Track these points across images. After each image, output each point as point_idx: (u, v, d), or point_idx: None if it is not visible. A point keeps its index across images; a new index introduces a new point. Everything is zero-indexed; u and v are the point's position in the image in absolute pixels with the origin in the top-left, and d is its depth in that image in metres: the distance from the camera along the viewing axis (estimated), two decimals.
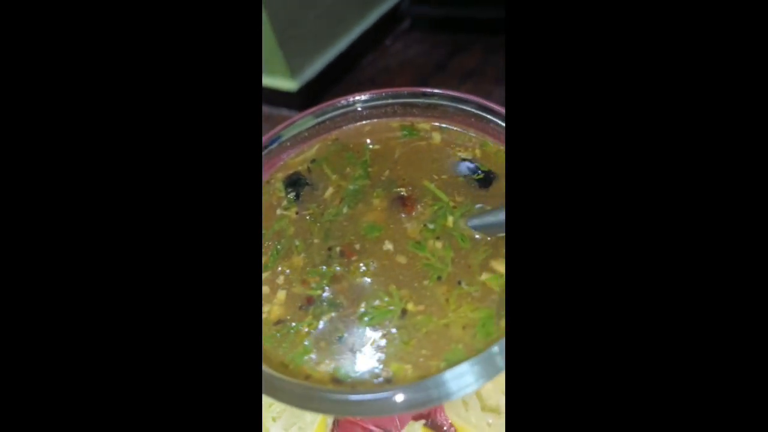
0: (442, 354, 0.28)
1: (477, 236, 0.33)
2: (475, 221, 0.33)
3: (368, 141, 0.43)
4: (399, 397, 0.23)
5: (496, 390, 0.34)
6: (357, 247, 0.34)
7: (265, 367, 0.27)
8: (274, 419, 0.36)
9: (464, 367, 0.24)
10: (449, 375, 0.24)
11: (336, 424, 0.37)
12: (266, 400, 0.37)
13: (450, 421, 0.33)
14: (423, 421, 0.33)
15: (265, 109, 1.98)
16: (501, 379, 0.34)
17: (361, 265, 0.33)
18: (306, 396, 0.25)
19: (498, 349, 0.24)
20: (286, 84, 1.78)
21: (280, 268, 0.35)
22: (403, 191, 0.37)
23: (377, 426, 0.37)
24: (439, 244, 0.33)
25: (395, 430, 0.36)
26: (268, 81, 1.81)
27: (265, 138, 0.43)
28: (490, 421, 0.31)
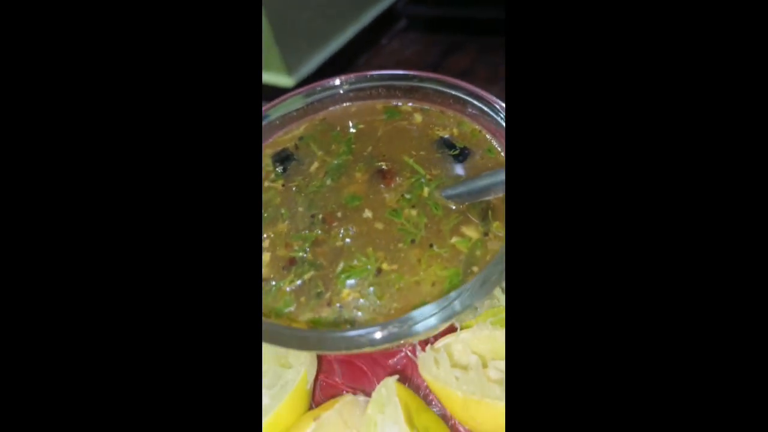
0: (411, 307, 0.30)
1: (452, 206, 0.35)
2: (449, 191, 0.36)
3: (353, 121, 0.45)
4: (372, 333, 0.26)
5: (465, 351, 0.36)
6: (338, 214, 0.37)
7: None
8: None
9: (426, 309, 0.26)
10: (414, 314, 0.26)
11: (316, 381, 0.39)
12: None
13: (423, 378, 0.35)
14: (396, 377, 0.35)
15: (264, 106, 2.00)
16: (470, 340, 0.36)
17: (341, 230, 0.35)
18: (287, 335, 0.27)
19: (455, 295, 0.26)
20: (283, 80, 1.80)
21: (265, 234, 0.37)
22: (383, 165, 0.40)
23: (354, 385, 0.39)
24: (414, 212, 0.35)
25: (370, 388, 0.38)
26: (265, 77, 1.82)
27: None
28: (458, 375, 0.34)
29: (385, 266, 0.32)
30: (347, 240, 0.34)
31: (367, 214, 0.36)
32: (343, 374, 0.41)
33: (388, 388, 0.34)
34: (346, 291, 0.32)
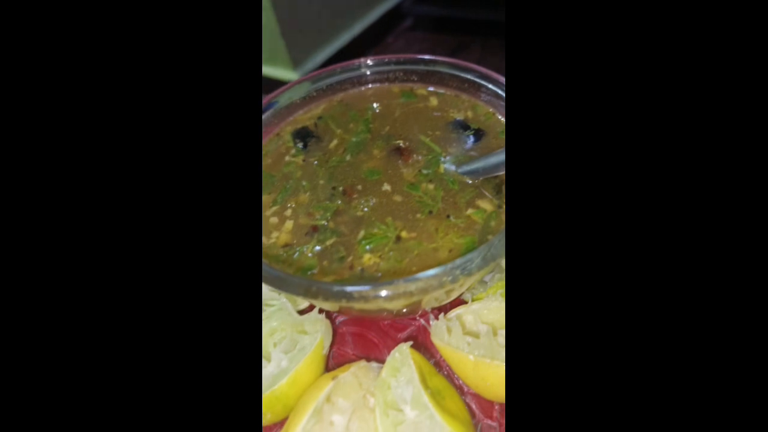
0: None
1: (468, 181, 0.37)
2: (465, 167, 0.37)
3: (370, 103, 0.47)
4: (385, 289, 0.27)
5: (476, 320, 0.38)
6: (359, 187, 0.38)
7: (274, 268, 0.30)
8: (275, 345, 0.40)
9: (439, 269, 0.28)
10: (429, 272, 0.28)
11: (330, 351, 0.40)
12: (267, 327, 0.40)
13: (434, 346, 0.37)
14: (410, 342, 0.36)
15: (265, 99, 2.01)
16: (480, 311, 0.38)
17: (362, 201, 0.37)
18: (309, 287, 0.28)
19: (460, 262, 0.28)
20: (288, 74, 1.81)
21: (288, 204, 0.38)
22: (400, 143, 0.41)
23: (365, 356, 0.41)
24: (431, 186, 0.37)
25: (380, 358, 0.40)
26: (270, 71, 1.83)
27: (272, 95, 0.47)
28: (470, 340, 0.35)
29: (404, 234, 0.34)
30: (366, 210, 0.36)
31: (386, 187, 0.38)
32: (355, 345, 0.43)
33: (403, 353, 0.36)
34: (367, 256, 0.33)
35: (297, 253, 0.34)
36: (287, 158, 0.43)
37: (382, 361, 0.39)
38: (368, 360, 0.40)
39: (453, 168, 0.38)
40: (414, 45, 2.18)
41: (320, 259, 0.34)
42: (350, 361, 0.41)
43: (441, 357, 0.38)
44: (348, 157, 0.41)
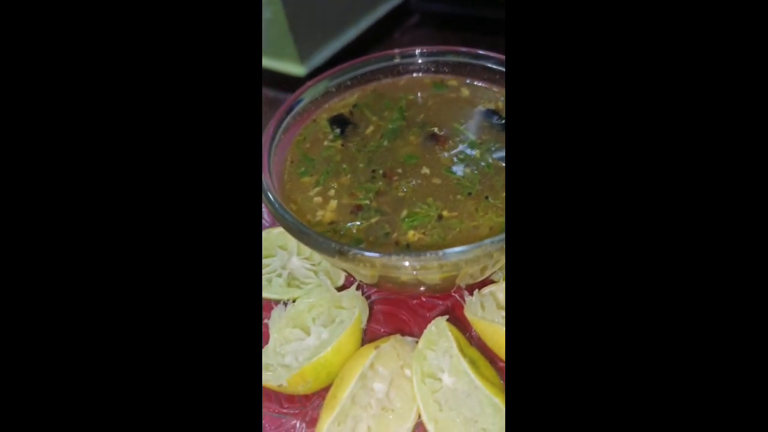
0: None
1: (503, 165, 0.39)
2: (499, 153, 0.40)
3: (403, 92, 0.49)
4: (417, 259, 0.30)
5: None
6: (398, 170, 0.40)
7: (331, 238, 0.32)
8: (314, 320, 0.42)
9: (478, 243, 0.30)
10: (470, 246, 0.30)
11: (366, 323, 0.43)
12: (306, 303, 0.42)
13: (468, 321, 0.39)
14: (446, 317, 0.39)
15: (273, 93, 2.02)
16: None
17: (402, 183, 0.39)
18: (351, 254, 0.30)
19: (499, 238, 0.30)
20: (295, 69, 1.82)
21: (331, 185, 0.40)
22: (436, 130, 0.43)
23: (396, 331, 0.43)
24: (468, 170, 0.39)
25: (411, 334, 0.42)
26: (277, 65, 1.84)
27: (307, 85, 0.48)
28: (504, 314, 0.38)
29: (445, 213, 0.36)
30: (407, 191, 0.38)
31: (425, 170, 0.40)
32: (386, 323, 0.45)
33: (439, 326, 0.38)
34: (411, 232, 0.35)
35: (344, 230, 0.37)
36: (326, 143, 0.45)
37: (413, 337, 0.41)
38: (399, 330, 0.43)
39: (487, 154, 0.40)
40: (420, 42, 2.20)
41: (366, 235, 0.36)
42: (382, 337, 0.43)
43: (473, 332, 0.41)
44: (385, 143, 0.43)
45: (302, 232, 0.33)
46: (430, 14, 2.36)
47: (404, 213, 0.37)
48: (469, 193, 0.37)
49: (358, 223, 0.37)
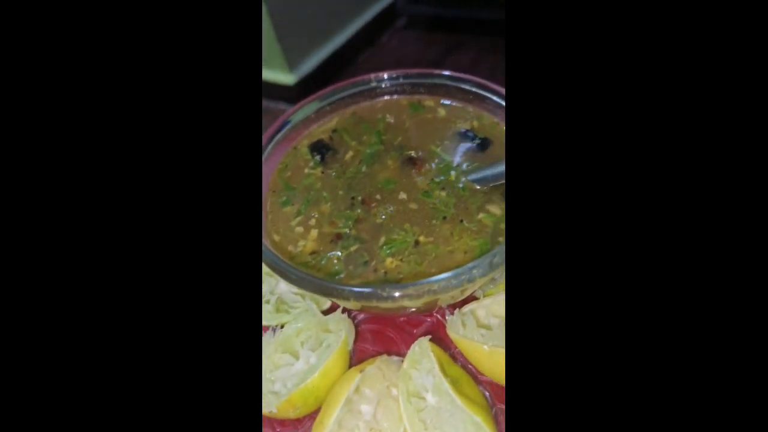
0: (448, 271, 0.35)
1: (477, 187, 0.41)
2: (473, 175, 0.41)
3: (381, 115, 0.50)
4: (398, 290, 0.31)
5: (488, 315, 0.41)
6: (377, 197, 0.41)
7: (309, 274, 0.34)
8: (302, 344, 0.43)
9: (453, 272, 0.31)
10: (445, 275, 0.31)
11: (354, 344, 0.44)
12: (294, 328, 0.44)
13: (450, 339, 0.40)
14: (429, 336, 0.40)
15: (264, 103, 2.03)
16: (491, 306, 0.41)
17: (380, 209, 0.40)
18: (342, 291, 0.32)
19: (472, 265, 0.31)
20: (284, 78, 1.84)
21: (312, 214, 0.41)
22: (412, 153, 0.45)
23: (385, 351, 0.44)
24: (444, 194, 0.40)
25: (399, 352, 0.43)
26: (266, 74, 1.85)
27: (288, 113, 0.50)
28: (483, 332, 0.39)
29: (422, 239, 0.37)
30: (384, 217, 0.39)
31: (402, 195, 0.41)
32: (375, 341, 0.46)
33: (422, 346, 0.39)
34: (389, 260, 0.37)
35: (324, 260, 0.38)
36: (306, 170, 0.46)
37: (400, 355, 0.43)
38: (388, 354, 0.44)
39: (463, 176, 0.42)
40: (408, 45, 2.21)
41: (346, 264, 0.37)
42: (371, 356, 0.45)
43: (456, 349, 0.42)
44: (364, 168, 0.44)
45: (281, 270, 0.34)
46: (417, 16, 2.36)
47: (382, 240, 0.38)
48: (444, 218, 0.38)
49: (339, 252, 0.38)
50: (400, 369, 0.40)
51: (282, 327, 0.44)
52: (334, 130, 0.49)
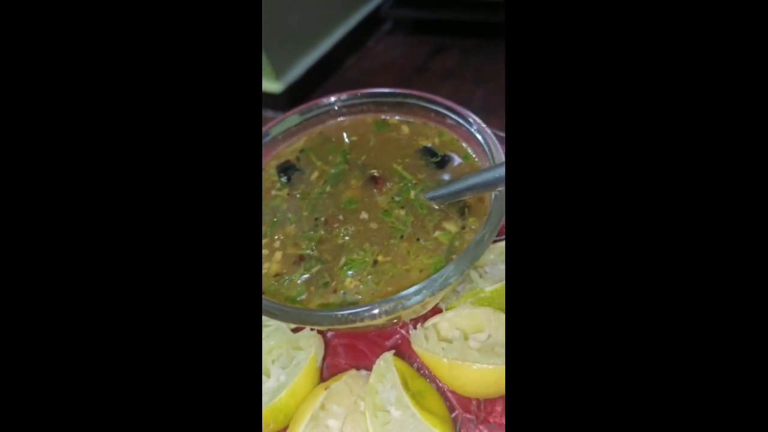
0: (403, 290, 0.36)
1: (435, 206, 0.42)
2: (432, 193, 0.42)
3: (347, 133, 0.51)
4: (371, 309, 0.32)
5: (450, 327, 0.43)
6: (339, 217, 0.43)
7: (269, 300, 0.35)
8: (273, 361, 0.44)
9: (414, 288, 0.33)
10: (406, 293, 0.33)
11: (324, 362, 0.45)
12: (266, 346, 0.45)
13: (415, 352, 0.42)
14: (393, 351, 0.41)
15: None
16: (453, 319, 0.42)
17: (342, 230, 0.41)
18: (301, 315, 0.33)
19: (428, 283, 0.33)
20: (271, 86, 1.84)
21: (276, 236, 0.43)
22: (375, 172, 0.46)
23: (356, 364, 0.46)
24: (402, 212, 0.42)
25: (370, 365, 0.45)
26: None
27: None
28: (444, 346, 0.40)
29: (380, 258, 0.39)
30: (347, 238, 0.41)
31: (363, 215, 0.42)
32: (347, 355, 0.48)
33: (386, 360, 0.40)
34: (348, 280, 0.38)
35: (287, 281, 0.39)
36: (273, 192, 0.47)
37: (370, 369, 0.44)
38: (358, 368, 0.45)
39: (421, 194, 0.43)
40: (394, 48, 2.22)
41: (308, 286, 0.38)
42: (343, 370, 0.46)
43: (420, 361, 0.43)
44: (328, 188, 0.46)
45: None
46: (402, 20, 2.37)
47: (343, 260, 0.39)
48: (402, 236, 0.40)
49: (303, 274, 0.39)
50: (365, 382, 0.41)
51: None
52: (302, 150, 0.51)
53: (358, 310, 0.32)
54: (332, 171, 0.47)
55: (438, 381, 0.42)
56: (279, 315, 0.34)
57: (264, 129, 0.51)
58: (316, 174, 0.48)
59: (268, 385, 0.43)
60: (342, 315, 0.32)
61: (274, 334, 0.45)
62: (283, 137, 0.52)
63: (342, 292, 0.37)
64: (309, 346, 0.43)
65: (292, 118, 0.52)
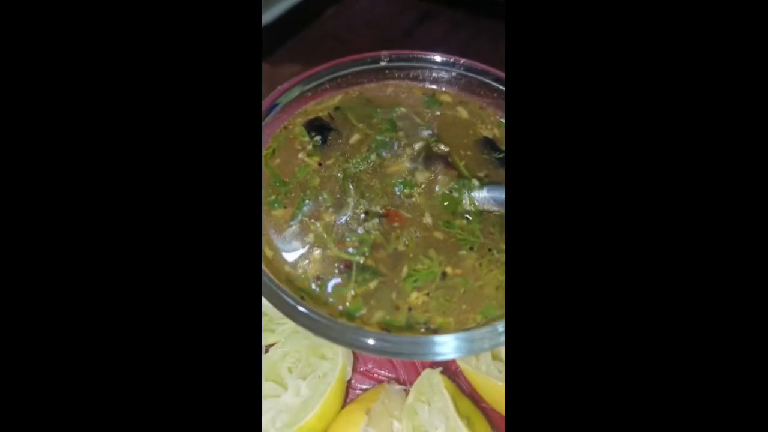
0: (478, 309, 0.31)
1: (499, 210, 0.36)
2: (494, 193, 0.36)
3: (394, 101, 0.42)
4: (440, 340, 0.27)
5: (503, 348, 0.39)
6: (398, 205, 0.34)
7: (322, 315, 0.27)
8: (290, 370, 0.37)
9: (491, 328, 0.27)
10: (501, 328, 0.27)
11: (354, 370, 0.39)
12: (280, 351, 0.37)
13: (459, 368, 0.37)
14: (440, 369, 0.36)
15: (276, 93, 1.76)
16: None
17: (403, 235, 0.33)
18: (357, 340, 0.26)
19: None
20: None
21: (310, 221, 0.34)
22: (436, 147, 0.38)
23: (381, 371, 0.40)
24: (464, 222, 0.35)
25: (394, 373, 0.39)
26: None
27: (281, 88, 0.40)
28: (501, 368, 0.36)
29: (449, 270, 0.32)
30: (408, 246, 0.33)
31: (427, 219, 0.35)
32: (374, 364, 0.41)
33: (433, 381, 0.35)
34: (414, 295, 0.31)
35: (332, 288, 0.31)
36: (300, 156, 0.37)
37: (400, 382, 0.38)
38: (388, 374, 0.39)
39: (483, 196, 0.36)
40: (379, 6, 2.04)
41: (366, 299, 0.31)
42: (368, 377, 0.40)
43: (464, 378, 0.39)
44: (373, 157, 0.37)
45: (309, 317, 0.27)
46: None
47: (405, 271, 0.32)
48: (471, 248, 0.33)
49: (363, 289, 0.31)
50: (402, 400, 0.36)
51: (266, 351, 0.37)
52: (336, 108, 0.41)
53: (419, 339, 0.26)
54: (378, 137, 0.38)
55: (482, 402, 0.38)
56: (335, 336, 0.26)
57: (290, 83, 0.40)
58: (356, 137, 0.38)
59: (285, 399, 0.35)
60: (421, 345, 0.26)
61: (292, 338, 0.37)
62: (312, 93, 0.41)
63: (407, 308, 0.31)
64: (335, 354, 0.37)
65: (324, 72, 0.42)
